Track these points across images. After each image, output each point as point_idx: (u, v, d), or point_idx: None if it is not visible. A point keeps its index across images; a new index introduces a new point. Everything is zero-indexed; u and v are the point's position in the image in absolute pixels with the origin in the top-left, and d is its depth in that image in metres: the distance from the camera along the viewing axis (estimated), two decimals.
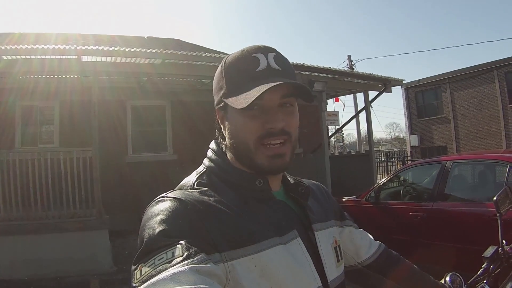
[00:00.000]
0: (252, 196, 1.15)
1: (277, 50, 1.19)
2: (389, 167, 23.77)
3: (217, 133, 1.28)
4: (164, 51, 8.73)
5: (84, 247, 7.73)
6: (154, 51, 8.60)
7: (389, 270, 1.51)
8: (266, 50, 1.17)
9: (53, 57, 8.45)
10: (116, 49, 8.20)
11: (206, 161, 1.25)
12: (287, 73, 1.16)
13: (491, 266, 1.87)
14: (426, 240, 6.28)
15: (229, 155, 1.22)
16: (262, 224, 1.09)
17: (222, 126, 1.22)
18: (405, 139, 35.33)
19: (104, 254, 7.88)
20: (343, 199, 7.97)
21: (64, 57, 8.41)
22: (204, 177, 1.18)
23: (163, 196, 1.08)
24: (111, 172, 10.32)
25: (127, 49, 8.31)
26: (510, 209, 2.26)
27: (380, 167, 24.07)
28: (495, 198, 2.18)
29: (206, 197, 1.08)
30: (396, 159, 26.72)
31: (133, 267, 0.94)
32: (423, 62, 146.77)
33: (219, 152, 1.24)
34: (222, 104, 1.18)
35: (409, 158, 26.48)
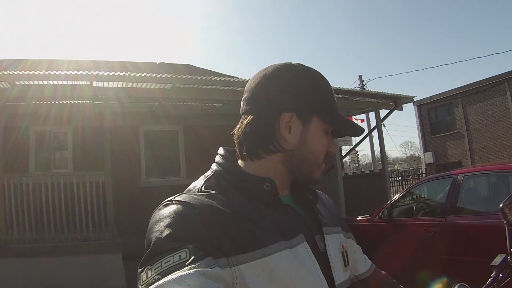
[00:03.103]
0: (260, 199, 1.15)
1: None
2: (404, 185, 23.57)
3: (253, 137, 1.22)
4: (174, 76, 8.75)
5: (97, 270, 7.71)
6: (164, 76, 8.64)
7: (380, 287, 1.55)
8: None
9: (65, 82, 8.53)
10: (126, 74, 8.26)
11: (214, 166, 1.26)
12: None
13: (500, 275, 1.84)
14: (440, 255, 6.17)
15: (280, 161, 1.22)
16: (269, 228, 1.09)
17: (286, 132, 1.19)
18: (420, 157, 35.05)
19: (117, 277, 7.84)
20: (358, 218, 7.92)
21: (76, 82, 8.51)
22: (212, 180, 1.19)
23: (171, 200, 1.08)
24: (124, 196, 10.33)
25: (137, 74, 8.38)
26: None
27: (396, 186, 23.90)
28: (501, 205, 2.14)
29: (213, 201, 1.08)
30: (411, 177, 26.50)
31: (140, 270, 0.95)
32: (435, 79, 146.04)
33: (227, 157, 1.25)
34: (306, 112, 1.20)
35: (424, 175, 26.24)
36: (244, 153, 1.23)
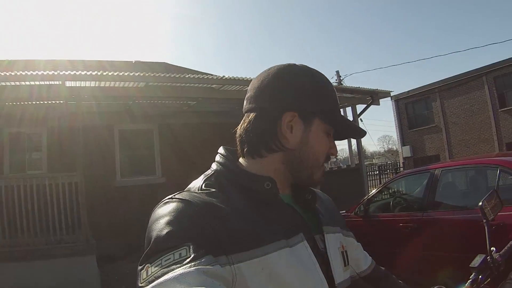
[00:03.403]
0: (260, 198, 1.15)
1: None
2: (382, 179, 23.70)
3: (255, 135, 1.22)
4: (147, 74, 8.68)
5: (72, 273, 7.60)
6: (137, 74, 8.56)
7: (382, 283, 1.56)
8: None
9: (42, 83, 8.44)
10: (99, 73, 8.14)
11: (214, 165, 1.25)
12: None
13: (480, 277, 1.81)
14: (418, 251, 6.15)
15: (281, 160, 1.23)
16: (269, 226, 1.09)
17: (288, 131, 1.20)
18: (398, 151, 35.32)
19: (92, 280, 7.76)
20: None
21: (52, 82, 8.40)
22: (212, 179, 1.18)
23: (171, 198, 1.07)
24: (99, 197, 10.28)
25: (110, 73, 8.26)
26: (498, 214, 2.19)
27: (374, 180, 24.04)
28: (480, 203, 2.09)
29: (214, 199, 1.08)
30: (389, 171, 26.67)
31: (140, 267, 0.94)
32: (413, 74, 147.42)
33: (228, 156, 1.26)
34: (308, 113, 1.21)
35: (401, 169, 26.42)
36: (245, 151, 1.23)
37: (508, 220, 4.75)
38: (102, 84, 8.71)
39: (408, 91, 30.22)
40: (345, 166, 19.74)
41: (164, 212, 1.01)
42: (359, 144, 14.52)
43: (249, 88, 1.28)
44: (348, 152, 18.69)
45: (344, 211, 7.72)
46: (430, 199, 6.32)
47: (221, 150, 1.29)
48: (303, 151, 1.21)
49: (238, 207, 1.08)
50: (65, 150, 10.20)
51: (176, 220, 0.98)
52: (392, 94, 16.84)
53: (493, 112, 24.85)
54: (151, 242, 0.96)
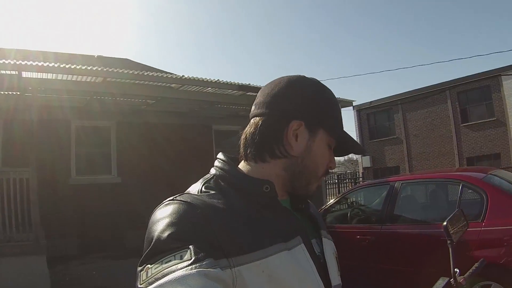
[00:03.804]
0: (259, 201, 1.15)
1: None
2: (341, 189, 23.80)
3: (260, 139, 1.22)
4: (105, 69, 8.44)
5: (21, 273, 7.36)
6: (95, 68, 8.31)
7: None
8: None
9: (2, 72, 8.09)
10: (56, 65, 7.88)
11: (212, 170, 1.25)
12: None
13: None
14: (375, 264, 6.14)
15: (283, 167, 1.22)
16: (268, 229, 1.09)
17: (293, 138, 1.20)
18: (358, 160, 35.64)
19: (42, 282, 7.53)
20: None
21: (5, 72, 8.07)
22: (211, 182, 1.18)
23: (172, 199, 1.07)
24: (53, 194, 10.05)
25: (67, 66, 8.00)
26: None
27: (332, 189, 24.13)
28: (445, 223, 2.03)
29: (215, 200, 1.08)
30: (348, 180, 26.81)
31: (139, 268, 0.94)
32: (376, 84, 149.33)
33: (228, 161, 1.25)
34: (314, 124, 1.22)
35: (360, 179, 26.59)
36: (249, 154, 1.24)
37: (470, 236, 4.74)
38: (60, 77, 8.43)
39: (371, 101, 30.52)
40: None
41: (165, 214, 1.01)
42: None
43: (258, 94, 1.30)
44: None
45: None
46: (389, 212, 6.31)
47: (220, 155, 1.29)
48: (306, 159, 1.21)
49: (238, 210, 1.08)
50: (20, 143, 9.89)
51: (178, 222, 0.98)
52: (354, 104, 16.94)
53: (455, 126, 25.35)
54: (152, 243, 0.96)
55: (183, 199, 1.05)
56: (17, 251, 7.46)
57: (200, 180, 1.21)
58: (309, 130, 1.22)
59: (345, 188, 24.12)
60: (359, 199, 7.90)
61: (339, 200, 7.82)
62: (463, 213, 2.27)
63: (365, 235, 6.34)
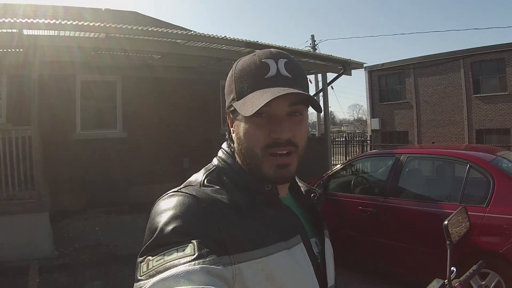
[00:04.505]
0: (260, 199, 1.14)
1: (290, 55, 1.18)
2: (348, 150, 23.57)
3: (227, 135, 1.27)
4: (108, 25, 8.24)
5: (24, 231, 7.43)
6: (97, 24, 8.13)
7: None
8: (277, 56, 1.15)
9: (4, 30, 7.96)
10: (57, 22, 7.71)
11: (215, 160, 1.24)
12: (296, 80, 1.14)
13: None
14: (375, 237, 6.11)
15: (237, 159, 1.20)
16: (269, 228, 1.10)
17: (231, 129, 1.21)
18: (367, 122, 35.39)
19: (44, 239, 7.59)
20: None
21: (8, 30, 7.95)
22: (213, 174, 1.18)
23: (177, 191, 1.07)
24: (58, 149, 10.07)
25: (69, 22, 7.82)
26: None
27: (339, 148, 23.90)
28: (445, 223, 1.94)
29: (218, 196, 1.08)
30: (355, 142, 26.58)
31: (140, 259, 0.93)
32: (389, 48, 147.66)
33: (231, 153, 1.23)
34: (232, 108, 1.17)
35: (368, 142, 26.41)
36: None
37: (472, 219, 4.66)
38: (62, 33, 8.28)
39: (383, 63, 30.01)
40: (310, 135, 19.69)
41: (170, 205, 1.01)
42: (326, 116, 14.37)
43: None
44: (316, 118, 18.57)
45: None
46: (393, 185, 6.22)
47: (224, 145, 1.28)
48: (240, 146, 1.17)
49: (241, 207, 1.08)
50: (25, 100, 9.86)
51: (182, 215, 0.97)
52: (365, 65, 16.68)
53: (467, 96, 24.91)
54: (154, 235, 0.95)
55: (188, 192, 1.05)
56: (20, 209, 7.48)
57: (202, 171, 1.20)
58: (233, 115, 1.18)
59: (352, 148, 24.08)
60: (364, 168, 7.80)
61: (344, 167, 7.75)
62: (467, 212, 2.18)
63: (367, 206, 6.27)
